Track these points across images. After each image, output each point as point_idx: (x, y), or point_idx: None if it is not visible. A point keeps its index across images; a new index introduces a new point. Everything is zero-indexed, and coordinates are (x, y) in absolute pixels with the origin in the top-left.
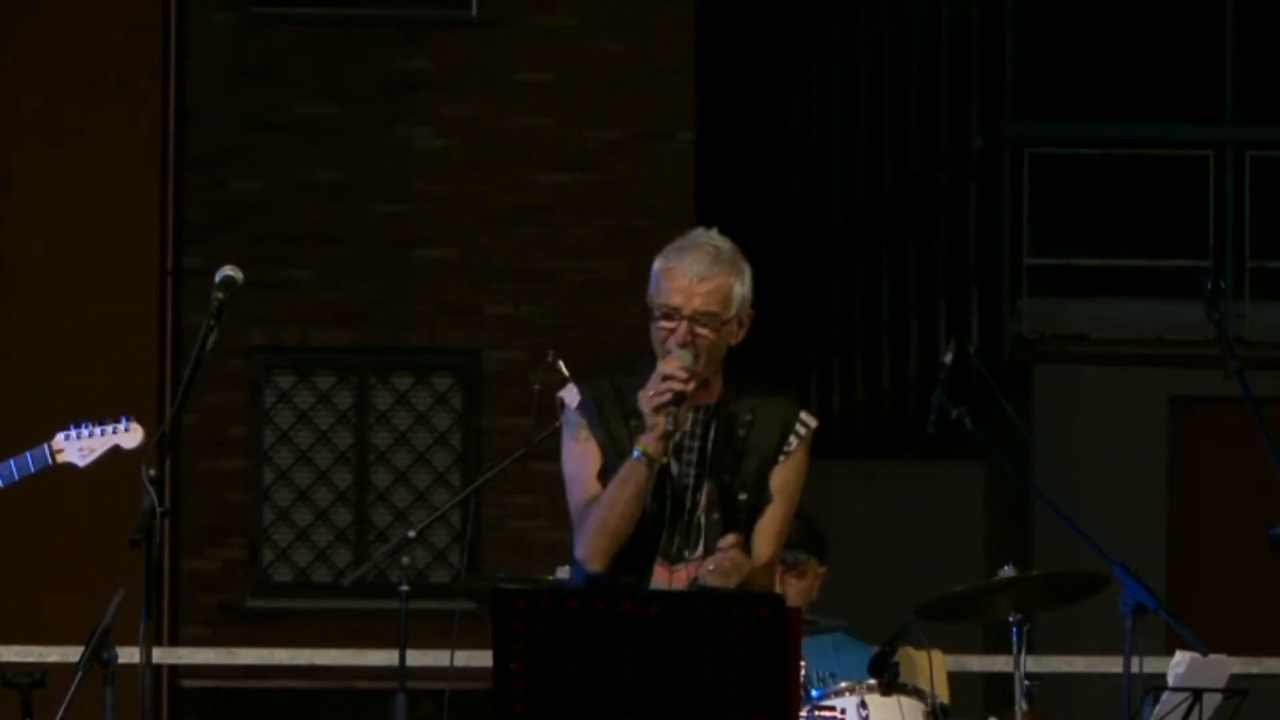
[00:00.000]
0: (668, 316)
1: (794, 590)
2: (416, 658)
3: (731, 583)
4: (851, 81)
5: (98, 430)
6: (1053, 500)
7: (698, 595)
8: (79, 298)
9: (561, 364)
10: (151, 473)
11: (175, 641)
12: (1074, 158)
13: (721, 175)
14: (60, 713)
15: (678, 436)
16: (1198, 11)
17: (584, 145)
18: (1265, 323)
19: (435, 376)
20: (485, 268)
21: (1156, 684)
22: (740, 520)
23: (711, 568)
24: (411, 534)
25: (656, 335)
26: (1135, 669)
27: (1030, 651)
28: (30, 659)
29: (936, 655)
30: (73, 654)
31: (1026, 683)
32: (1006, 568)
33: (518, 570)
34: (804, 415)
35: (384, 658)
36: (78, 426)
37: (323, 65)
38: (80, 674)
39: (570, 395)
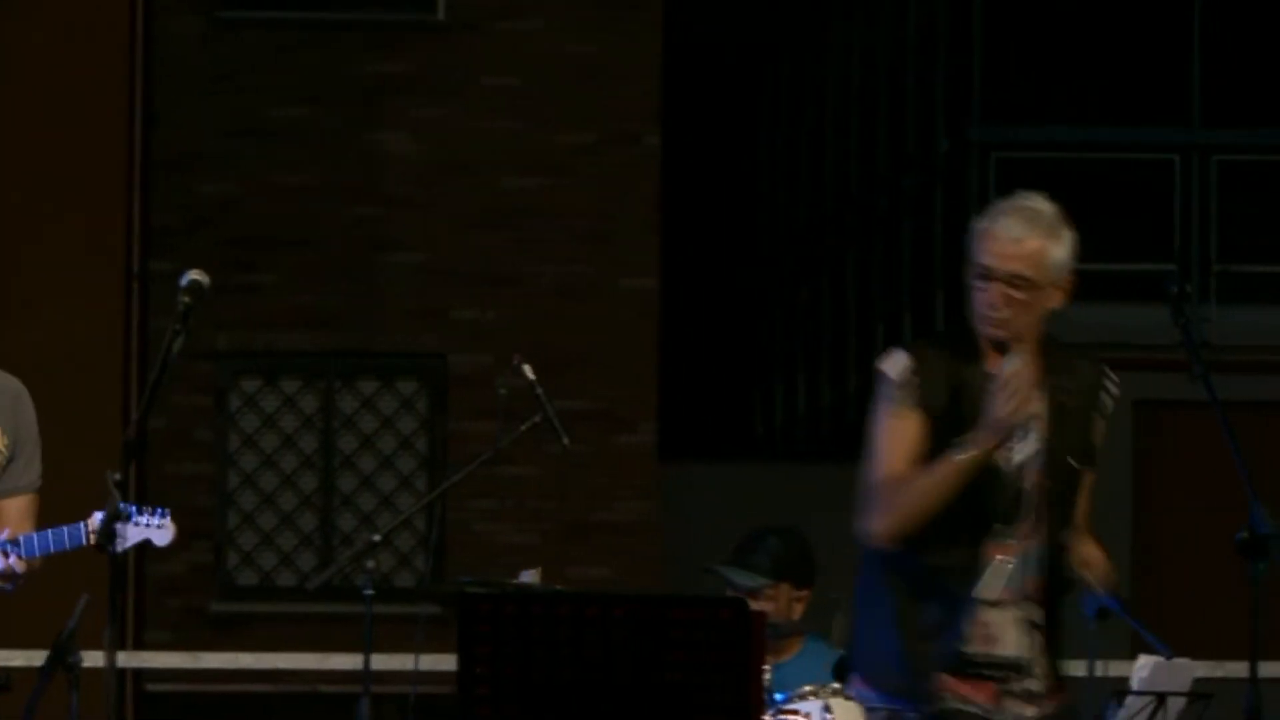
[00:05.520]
0: (982, 278)
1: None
2: (381, 662)
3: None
4: (819, 85)
5: (138, 520)
6: None
7: (663, 599)
8: (46, 302)
9: (527, 368)
10: (116, 476)
11: (140, 645)
12: (1040, 161)
13: (689, 178)
14: (24, 717)
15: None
16: (1165, 15)
17: (551, 148)
18: (1231, 327)
19: (401, 380)
20: (452, 271)
21: (1120, 688)
22: (1069, 485)
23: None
24: (377, 538)
25: (975, 298)
26: (1099, 673)
27: None
28: None
29: None
30: (37, 658)
31: None
32: None
33: (482, 574)
34: (1108, 374)
35: (349, 661)
36: None
37: (290, 69)
38: (45, 678)
39: (891, 365)
